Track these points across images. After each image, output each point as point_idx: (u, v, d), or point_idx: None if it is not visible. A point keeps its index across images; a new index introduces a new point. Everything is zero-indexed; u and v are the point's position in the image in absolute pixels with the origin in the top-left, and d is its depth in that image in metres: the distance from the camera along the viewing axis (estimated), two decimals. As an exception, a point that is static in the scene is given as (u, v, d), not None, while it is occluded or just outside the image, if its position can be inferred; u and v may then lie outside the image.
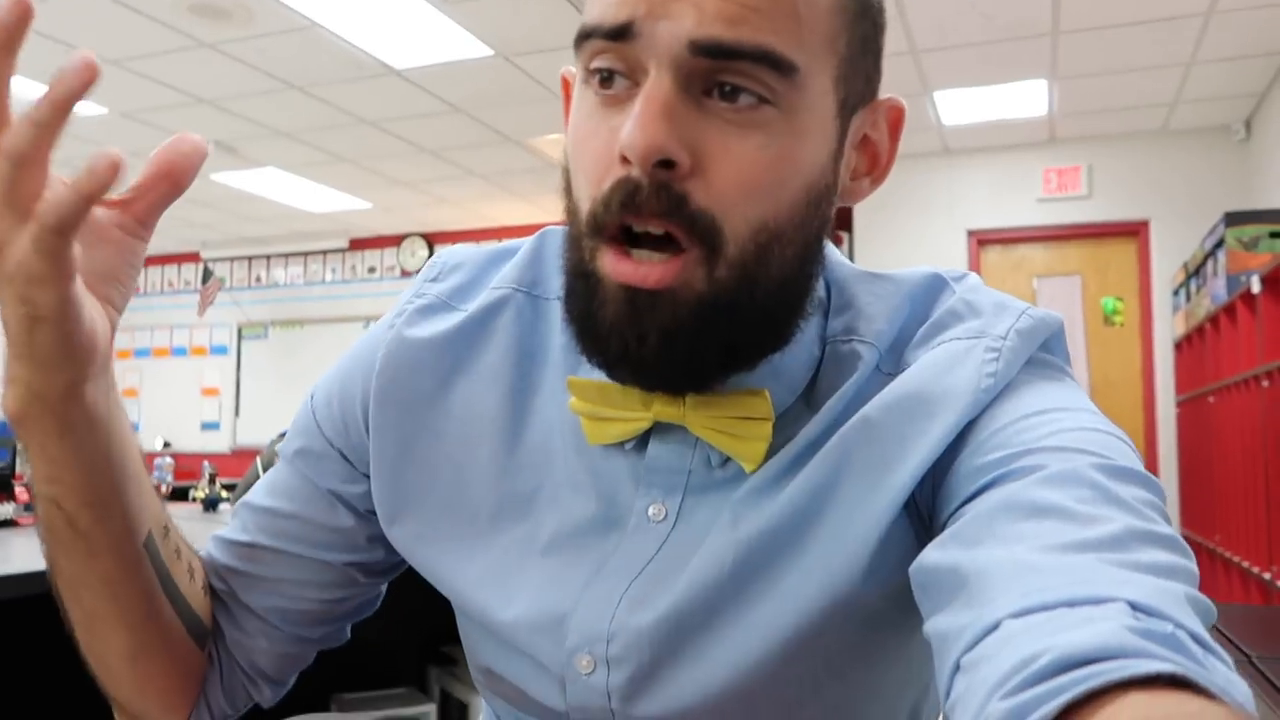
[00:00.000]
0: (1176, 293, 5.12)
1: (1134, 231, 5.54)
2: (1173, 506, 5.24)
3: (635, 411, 0.59)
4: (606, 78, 0.54)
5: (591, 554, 0.61)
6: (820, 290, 0.62)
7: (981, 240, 5.79)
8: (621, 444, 0.61)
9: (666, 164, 0.51)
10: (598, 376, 0.59)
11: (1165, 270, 5.38)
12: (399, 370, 0.65)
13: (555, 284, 0.65)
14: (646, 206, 0.51)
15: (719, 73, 0.51)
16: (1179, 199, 5.36)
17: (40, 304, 0.46)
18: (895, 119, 0.61)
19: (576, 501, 0.62)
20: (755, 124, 0.52)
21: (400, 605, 0.74)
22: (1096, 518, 0.45)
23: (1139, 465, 0.51)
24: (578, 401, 0.60)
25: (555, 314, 0.65)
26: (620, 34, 0.51)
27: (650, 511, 0.60)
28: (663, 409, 0.58)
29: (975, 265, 5.75)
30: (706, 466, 0.60)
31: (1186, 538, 4.40)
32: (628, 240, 0.53)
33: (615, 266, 0.52)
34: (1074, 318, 5.60)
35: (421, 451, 0.65)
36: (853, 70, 0.56)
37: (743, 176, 0.52)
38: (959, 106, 5.07)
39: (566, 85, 0.62)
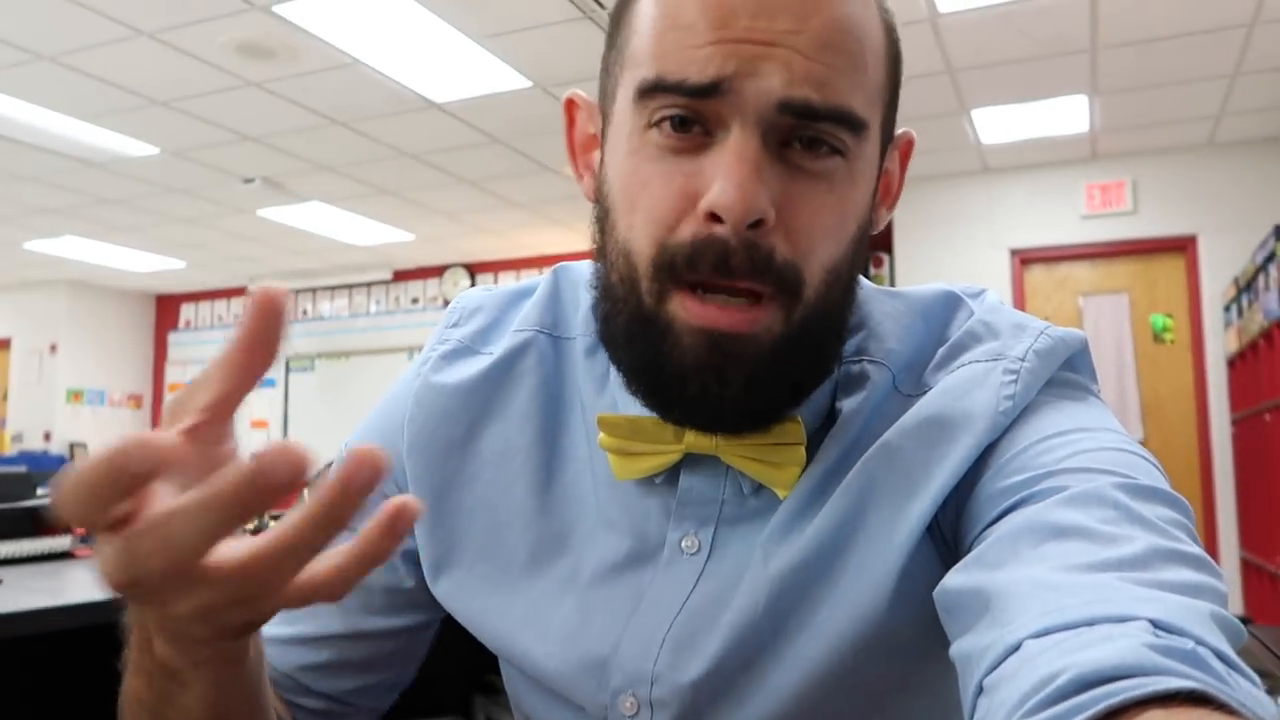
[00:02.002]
0: (1228, 308, 5.01)
1: (1182, 247, 5.44)
2: (1231, 528, 5.10)
3: (667, 444, 0.59)
4: (680, 123, 0.53)
5: (628, 590, 0.61)
6: None
7: (1024, 259, 5.72)
8: (652, 478, 0.61)
9: (756, 222, 0.51)
10: (629, 411, 0.60)
11: (1216, 286, 5.27)
12: (429, 418, 0.66)
13: (574, 323, 0.67)
14: (740, 270, 0.52)
15: (799, 129, 0.52)
16: (1228, 212, 5.26)
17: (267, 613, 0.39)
18: (906, 150, 0.63)
19: (610, 539, 0.62)
20: (827, 174, 0.54)
21: (446, 633, 0.75)
22: (1119, 537, 0.45)
23: (1164, 484, 0.50)
24: (606, 437, 0.60)
25: (576, 353, 0.66)
26: (707, 92, 0.51)
27: (684, 544, 0.61)
28: (695, 440, 0.58)
29: (1019, 284, 5.68)
30: (739, 495, 0.60)
31: (1246, 561, 4.23)
32: (704, 284, 0.53)
33: (698, 311, 0.53)
34: (1122, 336, 5.50)
35: (456, 499, 0.65)
36: (890, 113, 0.58)
37: (818, 225, 0.54)
38: (998, 124, 5.03)
39: (572, 108, 0.64)
